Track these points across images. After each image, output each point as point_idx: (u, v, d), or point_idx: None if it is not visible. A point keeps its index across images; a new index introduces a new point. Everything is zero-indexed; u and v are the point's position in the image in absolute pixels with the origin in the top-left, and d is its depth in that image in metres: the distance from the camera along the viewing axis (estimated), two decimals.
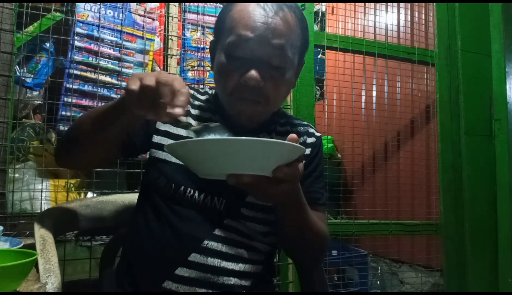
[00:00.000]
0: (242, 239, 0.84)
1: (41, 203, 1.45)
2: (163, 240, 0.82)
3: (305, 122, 1.00)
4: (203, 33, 1.74)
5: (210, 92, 0.96)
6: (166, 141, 0.86)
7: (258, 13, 0.79)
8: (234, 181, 0.61)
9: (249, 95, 0.80)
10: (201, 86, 1.73)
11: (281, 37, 0.79)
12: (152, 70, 1.69)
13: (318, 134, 0.97)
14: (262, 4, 0.79)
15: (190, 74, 1.73)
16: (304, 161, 0.68)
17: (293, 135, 0.63)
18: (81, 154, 0.83)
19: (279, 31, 0.79)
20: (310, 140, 0.95)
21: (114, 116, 0.74)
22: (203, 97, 0.95)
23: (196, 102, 0.93)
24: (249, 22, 0.78)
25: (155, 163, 0.86)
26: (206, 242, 0.80)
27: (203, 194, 0.82)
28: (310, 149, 0.93)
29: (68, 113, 1.51)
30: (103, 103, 1.57)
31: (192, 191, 0.82)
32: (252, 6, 0.80)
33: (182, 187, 0.82)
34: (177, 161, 0.83)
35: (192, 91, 0.94)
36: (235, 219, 0.83)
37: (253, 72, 0.78)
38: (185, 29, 1.74)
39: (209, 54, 0.99)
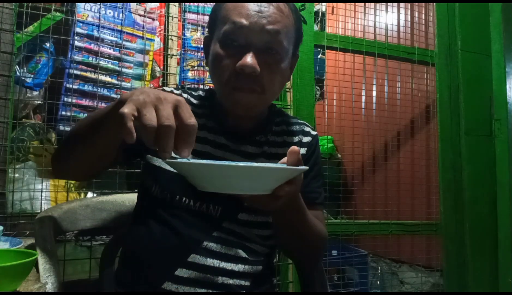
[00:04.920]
0: (240, 241, 0.84)
1: (41, 203, 1.45)
2: (162, 241, 0.82)
3: (301, 121, 0.99)
4: (203, 33, 1.74)
5: (204, 95, 0.95)
6: None
7: (252, 3, 0.80)
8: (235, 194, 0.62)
9: (244, 83, 0.79)
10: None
11: (276, 24, 0.80)
12: (152, 70, 1.68)
13: (314, 133, 0.97)
14: None
15: (190, 74, 1.73)
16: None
17: (294, 148, 0.63)
18: (78, 163, 0.79)
19: (273, 18, 0.79)
20: (306, 139, 0.94)
21: (108, 123, 0.68)
22: (197, 102, 0.93)
23: (191, 108, 0.91)
24: (243, 10, 0.79)
25: (150, 170, 0.85)
26: (205, 243, 0.81)
27: (198, 202, 0.82)
28: (305, 149, 0.93)
29: (68, 113, 1.51)
30: (102, 104, 1.57)
31: (187, 200, 0.82)
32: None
33: (177, 196, 0.82)
34: (172, 169, 0.82)
35: (186, 95, 0.93)
36: (233, 223, 0.83)
37: (248, 59, 0.77)
38: (185, 29, 1.74)
39: None
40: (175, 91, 0.92)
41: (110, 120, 0.66)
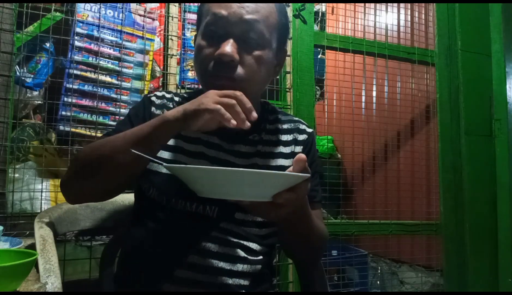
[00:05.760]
0: (238, 240, 0.84)
1: (41, 203, 1.45)
2: (161, 242, 0.82)
3: (296, 118, 0.98)
4: None
5: (195, 97, 0.95)
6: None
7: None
8: (234, 201, 0.63)
9: (223, 72, 0.79)
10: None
11: (255, 14, 0.80)
12: (152, 70, 1.68)
13: (309, 130, 0.96)
14: None
15: (190, 74, 1.73)
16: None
17: (301, 156, 0.63)
18: (101, 189, 0.81)
19: (252, 8, 0.80)
20: (301, 137, 0.94)
21: (152, 140, 0.73)
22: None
23: None
24: (223, 2, 0.81)
25: (147, 174, 0.85)
26: (203, 243, 0.81)
27: (194, 204, 0.82)
28: (301, 147, 0.93)
29: (68, 113, 1.51)
30: (102, 104, 1.57)
31: (183, 202, 0.82)
32: None
33: (173, 199, 0.82)
34: (168, 172, 0.82)
35: (177, 98, 0.93)
36: (230, 222, 0.83)
37: (226, 48, 0.78)
38: (185, 29, 1.74)
39: None
40: (167, 95, 0.93)
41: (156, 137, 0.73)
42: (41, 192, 1.46)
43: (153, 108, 0.89)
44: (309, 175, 0.63)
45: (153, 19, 1.71)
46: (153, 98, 0.91)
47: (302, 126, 0.96)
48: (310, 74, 1.74)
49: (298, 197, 0.65)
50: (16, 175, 1.47)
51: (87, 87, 1.55)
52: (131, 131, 0.76)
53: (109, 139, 0.78)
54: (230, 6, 0.79)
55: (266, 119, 0.93)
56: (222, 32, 0.80)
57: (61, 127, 1.52)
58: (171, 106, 0.90)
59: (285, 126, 0.94)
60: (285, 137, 0.93)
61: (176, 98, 0.93)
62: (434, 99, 1.97)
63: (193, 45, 1.73)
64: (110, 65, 1.59)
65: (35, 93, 1.69)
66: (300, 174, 0.62)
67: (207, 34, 0.82)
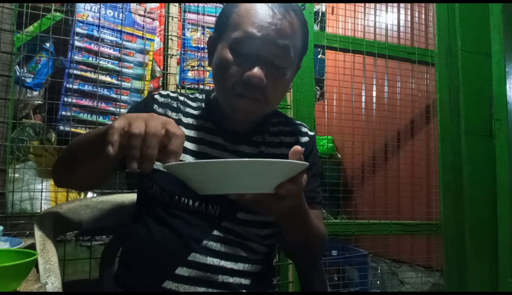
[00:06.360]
0: (240, 240, 0.84)
1: (41, 203, 1.45)
2: (162, 240, 0.82)
3: (298, 121, 1.00)
4: (203, 33, 1.74)
5: (200, 97, 0.96)
6: None
7: (266, 13, 0.79)
8: (236, 197, 0.62)
9: (250, 92, 0.79)
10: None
11: (286, 38, 0.80)
12: (152, 70, 1.68)
13: (311, 133, 0.98)
14: (269, 4, 0.79)
15: (190, 74, 1.73)
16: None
17: (297, 148, 0.64)
18: (79, 178, 0.83)
19: (285, 33, 0.79)
20: (303, 139, 0.95)
21: (102, 143, 0.70)
22: (194, 104, 0.94)
23: (188, 110, 0.92)
24: (257, 20, 0.78)
25: (149, 173, 0.85)
26: (205, 242, 0.81)
27: (197, 202, 0.82)
28: (303, 149, 0.93)
29: (68, 113, 1.51)
30: (102, 104, 1.57)
31: (186, 200, 0.82)
32: (260, 5, 0.79)
33: (176, 197, 0.82)
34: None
35: (182, 98, 0.93)
36: (232, 222, 0.84)
37: (257, 70, 0.78)
38: (185, 29, 1.74)
39: None
40: (171, 94, 0.93)
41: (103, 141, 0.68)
42: (41, 192, 1.46)
43: (155, 106, 0.89)
44: (307, 163, 0.63)
45: (153, 19, 1.71)
46: (157, 96, 0.92)
47: (304, 129, 0.98)
48: (310, 74, 1.74)
49: (298, 187, 0.65)
50: (16, 175, 1.47)
51: (87, 87, 1.55)
52: (95, 130, 0.79)
53: (85, 134, 0.83)
54: (263, 27, 0.78)
55: (269, 122, 0.94)
56: (252, 53, 0.79)
57: (61, 127, 1.52)
58: (175, 105, 0.91)
59: (287, 128, 0.96)
60: (287, 139, 0.94)
61: (181, 98, 0.94)
62: (434, 99, 1.97)
63: (193, 45, 1.75)
64: (110, 65, 1.59)
65: (35, 93, 1.69)
66: (301, 162, 0.62)
67: (235, 50, 0.80)
